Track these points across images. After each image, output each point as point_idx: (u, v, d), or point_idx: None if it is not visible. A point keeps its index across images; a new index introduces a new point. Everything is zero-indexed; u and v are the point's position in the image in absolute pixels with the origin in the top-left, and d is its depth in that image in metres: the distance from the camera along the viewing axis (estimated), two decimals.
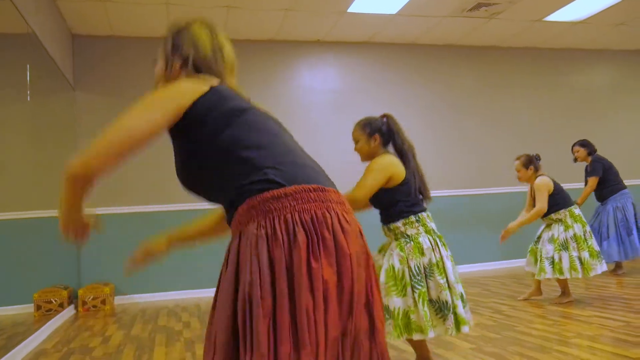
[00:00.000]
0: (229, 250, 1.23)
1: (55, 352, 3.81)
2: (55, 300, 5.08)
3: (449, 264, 2.70)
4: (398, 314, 2.57)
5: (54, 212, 5.60)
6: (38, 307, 5.00)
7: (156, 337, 4.07)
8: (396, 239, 2.73)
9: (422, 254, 2.65)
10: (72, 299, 5.58)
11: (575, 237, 4.29)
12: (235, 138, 1.23)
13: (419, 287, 2.59)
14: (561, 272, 4.22)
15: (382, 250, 2.87)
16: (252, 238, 1.14)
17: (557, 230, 4.34)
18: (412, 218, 2.71)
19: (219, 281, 1.24)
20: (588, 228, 4.40)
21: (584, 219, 4.41)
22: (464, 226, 7.01)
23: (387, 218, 2.77)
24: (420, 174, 2.82)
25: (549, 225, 4.48)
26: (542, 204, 4.30)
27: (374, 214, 2.85)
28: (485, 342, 3.33)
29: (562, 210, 4.37)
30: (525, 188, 5.04)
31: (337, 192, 1.24)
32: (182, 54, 1.48)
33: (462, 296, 2.70)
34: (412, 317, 2.57)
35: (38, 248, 5.15)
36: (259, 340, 1.06)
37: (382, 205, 2.79)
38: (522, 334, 3.46)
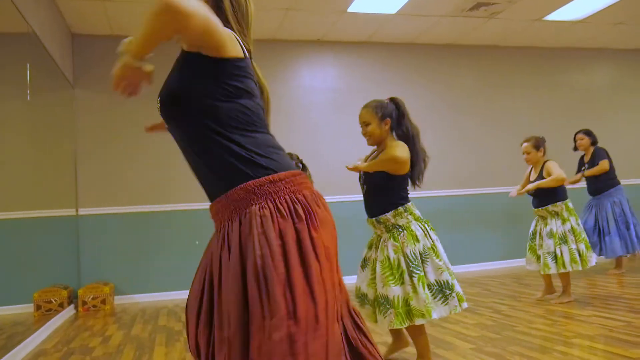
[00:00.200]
0: (225, 236, 1.31)
1: (55, 352, 3.80)
2: (55, 300, 5.08)
3: (440, 246, 2.79)
4: (398, 302, 2.63)
5: (54, 212, 5.61)
6: (38, 307, 5.00)
7: (156, 337, 4.07)
8: (387, 231, 2.77)
9: (417, 240, 2.73)
10: (72, 298, 5.58)
11: (572, 230, 4.36)
12: (234, 117, 1.32)
13: (418, 272, 2.66)
14: (564, 266, 4.26)
15: (372, 245, 2.91)
16: (256, 218, 1.25)
17: (555, 225, 4.36)
18: (401, 209, 2.79)
19: (206, 267, 1.34)
20: (580, 221, 4.49)
21: (575, 212, 4.48)
22: (463, 226, 7.01)
23: (379, 208, 2.81)
24: (424, 159, 2.84)
25: (543, 219, 4.47)
26: (555, 178, 4.30)
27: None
28: (485, 342, 3.33)
29: (559, 203, 4.39)
30: None
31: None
32: None
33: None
34: (412, 303, 2.63)
35: (38, 248, 5.14)
36: (278, 305, 1.18)
37: (379, 192, 2.82)
38: (522, 334, 3.46)
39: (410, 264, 2.67)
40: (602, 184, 5.63)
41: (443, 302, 2.68)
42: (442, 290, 2.67)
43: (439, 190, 6.82)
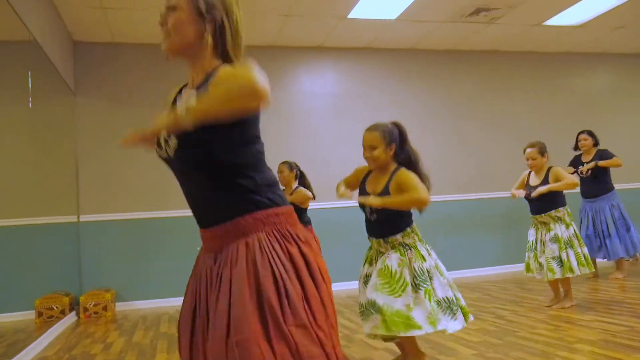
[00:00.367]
0: (229, 257, 1.39)
1: (57, 359, 3.80)
2: (56, 307, 5.07)
3: (442, 265, 2.84)
4: (387, 310, 2.62)
5: (55, 219, 5.61)
6: (39, 314, 5.00)
7: (158, 344, 4.07)
8: (393, 248, 2.78)
9: (423, 259, 2.77)
10: (74, 305, 5.58)
11: (575, 235, 4.38)
12: (250, 158, 1.42)
13: (425, 285, 2.68)
14: (571, 270, 4.24)
15: (371, 261, 2.92)
16: (267, 243, 1.38)
17: (560, 230, 4.35)
18: (408, 229, 2.84)
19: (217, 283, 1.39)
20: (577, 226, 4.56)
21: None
22: (464, 231, 7.01)
23: (389, 230, 2.81)
24: (428, 182, 2.83)
25: (544, 225, 4.44)
26: (569, 181, 4.31)
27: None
28: (487, 347, 3.32)
29: (561, 208, 4.40)
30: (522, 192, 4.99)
31: None
32: (215, 17, 1.42)
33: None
34: (412, 313, 2.62)
35: (39, 254, 5.14)
36: (301, 317, 1.31)
37: (390, 218, 2.79)
38: (524, 340, 3.45)
39: (417, 277, 2.70)
40: (600, 187, 5.64)
41: (452, 317, 2.72)
42: (450, 307, 2.72)
43: (439, 195, 6.82)
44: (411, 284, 2.68)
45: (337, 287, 5.44)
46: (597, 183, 5.64)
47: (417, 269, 2.71)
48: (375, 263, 2.86)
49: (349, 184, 3.02)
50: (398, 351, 3.10)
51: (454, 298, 2.74)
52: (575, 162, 5.81)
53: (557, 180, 4.34)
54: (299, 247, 1.40)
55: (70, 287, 5.60)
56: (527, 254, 4.57)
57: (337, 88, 6.90)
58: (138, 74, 6.23)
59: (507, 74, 7.53)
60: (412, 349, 2.87)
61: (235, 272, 1.35)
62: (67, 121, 5.85)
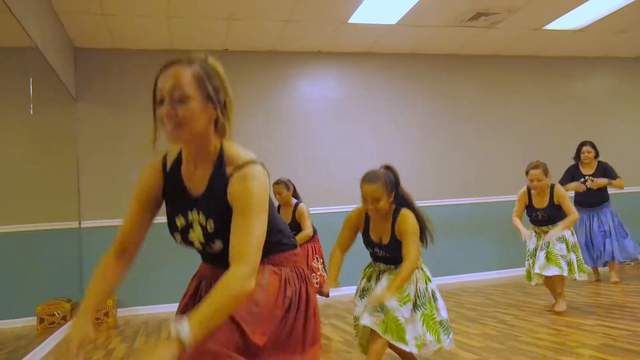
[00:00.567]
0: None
1: None
2: (58, 313, 5.07)
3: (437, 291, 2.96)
4: (391, 313, 2.67)
5: (56, 225, 5.61)
6: (41, 320, 5.00)
7: None
8: None
9: (429, 279, 2.87)
10: (75, 311, 5.57)
11: (577, 242, 4.44)
12: (272, 221, 1.60)
13: (423, 309, 2.77)
14: (572, 272, 4.29)
15: (370, 277, 2.96)
16: (291, 274, 1.64)
17: (567, 233, 4.38)
18: None
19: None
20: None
21: None
22: (465, 234, 7.00)
23: (399, 261, 2.80)
24: (427, 223, 2.85)
25: (546, 233, 4.45)
26: (575, 211, 4.35)
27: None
28: (489, 352, 3.31)
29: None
30: None
31: None
32: (221, 99, 1.47)
33: None
34: (407, 328, 2.69)
35: (40, 260, 5.15)
36: (316, 336, 1.64)
37: (400, 253, 2.80)
38: (526, 344, 3.45)
39: (419, 298, 2.77)
40: (602, 197, 5.74)
41: (449, 336, 2.86)
42: (448, 327, 2.87)
43: (440, 199, 6.83)
44: (413, 302, 2.75)
45: (338, 291, 5.43)
46: (599, 193, 5.74)
47: (420, 290, 2.79)
48: (376, 280, 2.90)
49: (346, 239, 2.94)
50: (398, 358, 3.11)
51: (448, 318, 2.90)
52: (574, 172, 5.83)
53: (559, 199, 4.34)
54: (306, 285, 1.66)
55: (71, 293, 5.60)
56: (527, 261, 4.54)
57: (338, 92, 6.91)
58: (139, 79, 6.24)
59: (507, 78, 7.54)
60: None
61: (273, 294, 1.56)
62: (68, 127, 5.87)
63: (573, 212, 4.33)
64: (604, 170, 5.69)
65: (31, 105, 4.42)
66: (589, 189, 5.69)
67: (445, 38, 6.63)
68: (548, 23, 6.38)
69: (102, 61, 6.19)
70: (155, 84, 1.45)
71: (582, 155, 5.74)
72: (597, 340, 3.42)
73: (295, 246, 1.71)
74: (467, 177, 7.13)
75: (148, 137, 1.50)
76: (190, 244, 1.60)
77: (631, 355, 3.02)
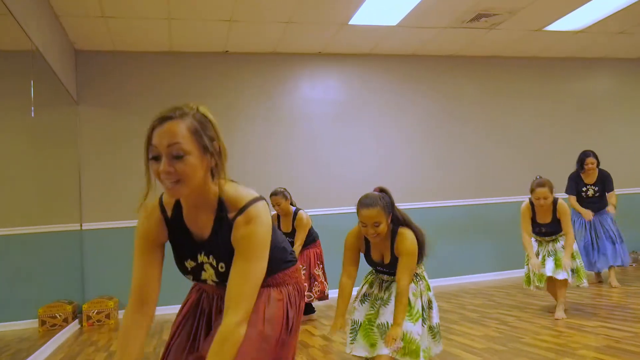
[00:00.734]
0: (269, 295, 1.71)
1: None
2: (59, 315, 5.07)
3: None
4: (407, 336, 2.64)
5: (57, 227, 5.61)
6: (43, 323, 5.00)
7: (161, 352, 4.05)
8: None
9: (429, 289, 2.87)
10: (77, 313, 5.58)
11: (577, 250, 4.45)
12: (274, 240, 1.66)
13: (428, 321, 2.81)
14: (580, 279, 4.35)
15: (372, 284, 2.95)
16: (293, 292, 1.74)
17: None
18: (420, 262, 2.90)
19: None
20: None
21: None
22: (466, 235, 7.00)
23: None
24: (423, 238, 2.81)
25: (551, 241, 4.45)
26: (572, 233, 4.33)
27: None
28: (492, 354, 3.31)
29: None
30: (523, 197, 4.96)
31: None
32: (215, 147, 1.48)
33: None
34: (421, 344, 2.66)
35: (42, 263, 5.15)
36: (296, 343, 1.76)
37: None
38: (528, 346, 3.44)
39: (425, 311, 2.79)
40: (602, 203, 5.81)
41: (439, 341, 2.87)
42: (439, 332, 2.87)
43: (441, 200, 6.82)
44: (422, 316, 2.75)
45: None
46: (600, 200, 5.80)
47: (425, 302, 2.80)
48: (378, 287, 2.89)
49: (351, 260, 2.90)
50: None
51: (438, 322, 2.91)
52: (577, 181, 5.83)
53: (562, 216, 4.30)
54: (302, 302, 1.79)
55: (73, 296, 5.60)
56: (526, 266, 4.52)
57: (339, 94, 6.91)
58: (140, 82, 6.25)
59: (508, 80, 7.54)
60: None
61: (276, 308, 1.66)
62: (69, 130, 5.87)
63: (570, 232, 4.30)
64: (604, 181, 5.79)
65: (32, 108, 4.43)
66: (590, 197, 5.80)
67: (446, 39, 6.63)
68: (549, 24, 6.38)
69: (103, 63, 6.20)
70: (148, 138, 1.44)
71: (586, 167, 5.76)
72: (599, 341, 3.42)
73: (296, 261, 1.81)
74: (468, 178, 7.13)
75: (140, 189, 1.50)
76: (203, 281, 1.65)
77: (633, 356, 3.02)
